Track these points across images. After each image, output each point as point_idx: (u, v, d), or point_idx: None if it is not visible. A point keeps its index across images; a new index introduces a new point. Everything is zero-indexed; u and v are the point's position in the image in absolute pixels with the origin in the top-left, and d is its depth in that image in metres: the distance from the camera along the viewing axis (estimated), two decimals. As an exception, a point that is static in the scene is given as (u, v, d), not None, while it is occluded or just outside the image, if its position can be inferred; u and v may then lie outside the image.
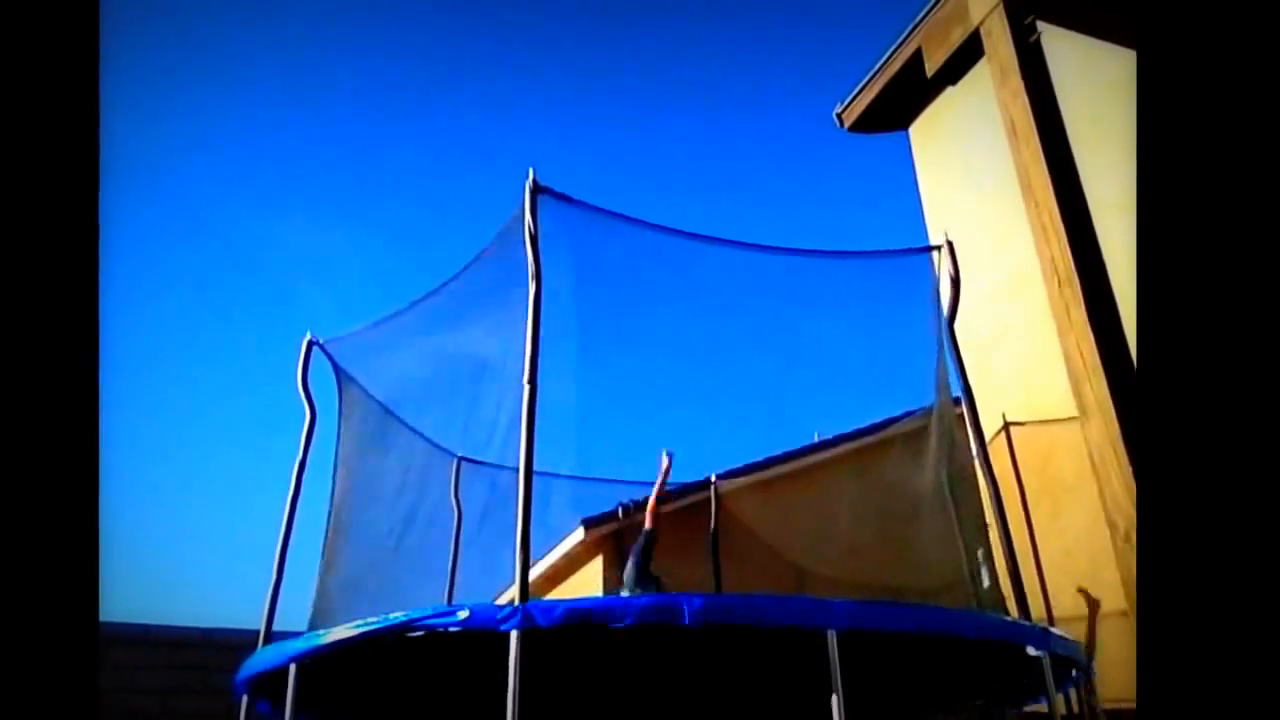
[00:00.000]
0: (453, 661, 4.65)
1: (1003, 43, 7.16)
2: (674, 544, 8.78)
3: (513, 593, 3.96)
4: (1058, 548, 7.18)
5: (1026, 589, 5.32)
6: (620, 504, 8.40)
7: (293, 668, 4.35)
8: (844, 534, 8.24)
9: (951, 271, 5.89)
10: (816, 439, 9.46)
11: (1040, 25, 7.19)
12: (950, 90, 8.98)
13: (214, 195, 29.84)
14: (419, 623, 4.01)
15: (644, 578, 6.01)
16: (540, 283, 4.61)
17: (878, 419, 8.50)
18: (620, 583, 6.14)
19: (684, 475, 8.57)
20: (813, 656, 3.96)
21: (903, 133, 9.82)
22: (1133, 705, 4.96)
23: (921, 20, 8.63)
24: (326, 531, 5.95)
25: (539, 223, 4.71)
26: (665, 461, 6.58)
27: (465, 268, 5.51)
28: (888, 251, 6.11)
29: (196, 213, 29.52)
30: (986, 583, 5.61)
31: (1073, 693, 5.49)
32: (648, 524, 6.44)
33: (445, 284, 5.64)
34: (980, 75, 8.06)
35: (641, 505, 8.54)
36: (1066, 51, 7.09)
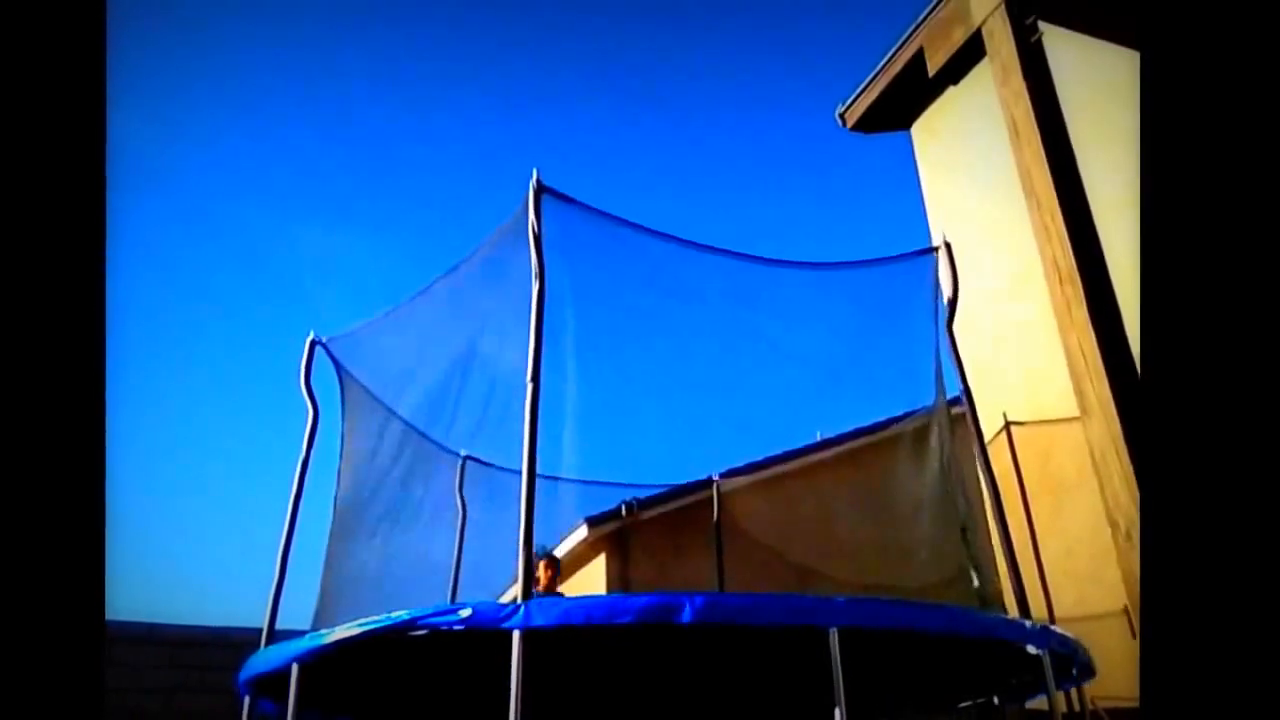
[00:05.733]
0: (456, 660, 4.66)
1: (1004, 43, 7.17)
2: (677, 543, 8.81)
3: (516, 591, 3.97)
4: (1059, 546, 7.19)
5: (1027, 587, 5.32)
6: (624, 502, 8.42)
7: (295, 667, 4.35)
8: (846, 532, 8.25)
9: (950, 273, 5.90)
10: (819, 438, 9.48)
11: (1042, 25, 7.20)
12: (952, 90, 8.98)
13: (224, 194, 29.94)
14: (422, 621, 4.01)
15: None
16: (544, 282, 4.61)
17: (879, 419, 8.50)
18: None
19: (685, 475, 8.58)
20: (814, 654, 3.97)
21: (905, 132, 9.84)
22: (1133, 705, 4.96)
23: (923, 20, 8.64)
24: (330, 530, 5.96)
25: (542, 222, 4.71)
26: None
27: (461, 262, 5.51)
28: (885, 259, 6.10)
29: (206, 212, 29.62)
30: (975, 582, 5.60)
31: (1073, 691, 5.49)
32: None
33: (440, 278, 5.65)
34: (982, 75, 8.07)
35: (644, 504, 8.56)
36: (1068, 52, 7.10)
